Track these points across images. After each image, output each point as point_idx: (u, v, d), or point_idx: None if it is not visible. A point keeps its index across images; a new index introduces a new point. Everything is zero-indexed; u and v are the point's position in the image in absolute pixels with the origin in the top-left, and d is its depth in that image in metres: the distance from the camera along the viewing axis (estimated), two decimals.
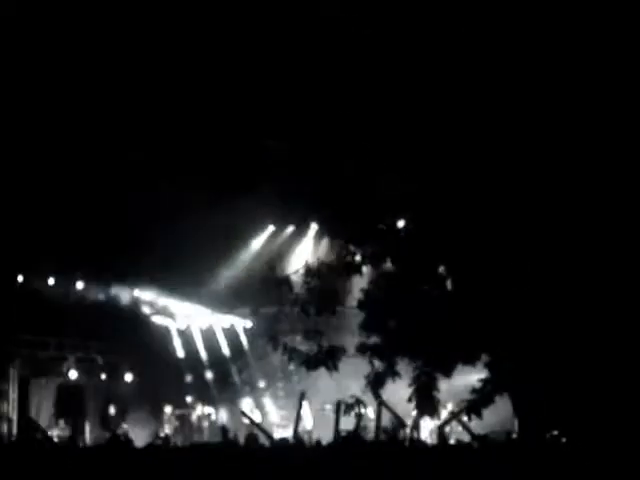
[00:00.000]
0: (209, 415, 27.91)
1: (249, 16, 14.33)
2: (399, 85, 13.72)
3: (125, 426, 25.75)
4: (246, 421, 25.18)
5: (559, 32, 12.96)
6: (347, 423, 15.50)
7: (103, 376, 27.27)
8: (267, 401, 28.70)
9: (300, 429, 17.20)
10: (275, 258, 24.78)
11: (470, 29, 13.26)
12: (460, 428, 23.47)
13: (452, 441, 19.13)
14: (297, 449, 14.76)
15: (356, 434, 15.45)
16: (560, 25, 12.94)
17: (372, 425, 17.36)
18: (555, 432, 14.80)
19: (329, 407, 22.82)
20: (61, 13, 16.02)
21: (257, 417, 26.42)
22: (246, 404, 27.65)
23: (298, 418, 16.89)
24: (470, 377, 14.99)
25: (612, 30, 12.75)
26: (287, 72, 14.15)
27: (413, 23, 13.49)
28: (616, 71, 12.89)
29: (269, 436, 16.68)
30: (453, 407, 20.57)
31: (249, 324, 29.44)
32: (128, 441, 17.40)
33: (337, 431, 15.65)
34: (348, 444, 14.74)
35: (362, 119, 14.11)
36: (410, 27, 13.49)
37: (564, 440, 14.27)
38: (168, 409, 27.59)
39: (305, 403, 24.78)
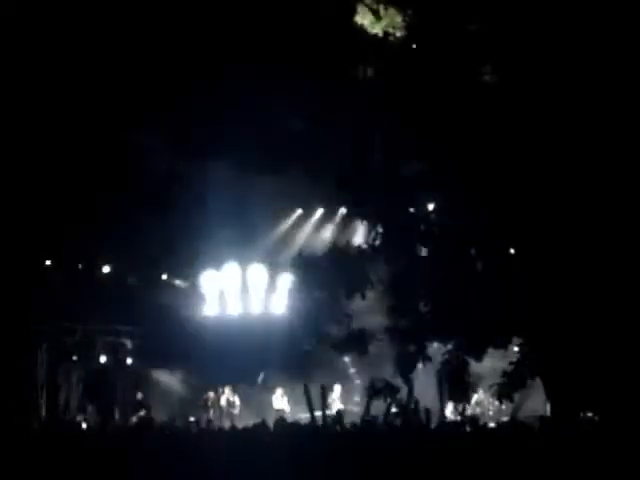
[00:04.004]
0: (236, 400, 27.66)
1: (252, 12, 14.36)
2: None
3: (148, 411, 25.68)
4: (277, 407, 25.11)
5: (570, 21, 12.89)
6: None
7: (132, 360, 27.22)
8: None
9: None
10: (303, 241, 24.72)
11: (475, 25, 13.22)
12: (491, 413, 23.45)
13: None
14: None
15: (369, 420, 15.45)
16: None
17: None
18: (588, 414, 14.62)
19: None
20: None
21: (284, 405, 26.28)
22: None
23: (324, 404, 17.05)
24: (496, 361, 14.86)
25: (613, 28, 12.68)
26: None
27: (416, 22, 13.45)
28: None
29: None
30: (484, 392, 20.47)
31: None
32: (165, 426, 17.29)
33: (368, 414, 15.64)
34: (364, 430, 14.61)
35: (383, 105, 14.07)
36: (413, 26, 13.45)
37: (596, 421, 14.10)
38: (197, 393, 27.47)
39: (337, 388, 24.79)
